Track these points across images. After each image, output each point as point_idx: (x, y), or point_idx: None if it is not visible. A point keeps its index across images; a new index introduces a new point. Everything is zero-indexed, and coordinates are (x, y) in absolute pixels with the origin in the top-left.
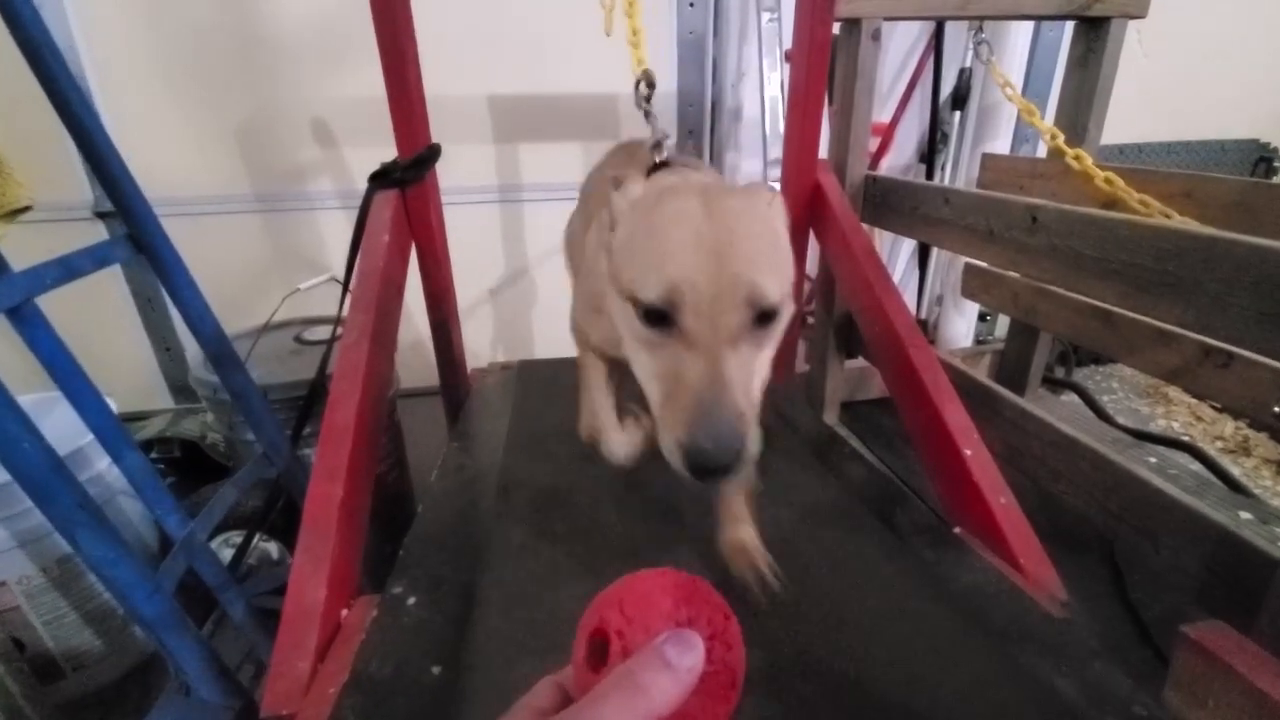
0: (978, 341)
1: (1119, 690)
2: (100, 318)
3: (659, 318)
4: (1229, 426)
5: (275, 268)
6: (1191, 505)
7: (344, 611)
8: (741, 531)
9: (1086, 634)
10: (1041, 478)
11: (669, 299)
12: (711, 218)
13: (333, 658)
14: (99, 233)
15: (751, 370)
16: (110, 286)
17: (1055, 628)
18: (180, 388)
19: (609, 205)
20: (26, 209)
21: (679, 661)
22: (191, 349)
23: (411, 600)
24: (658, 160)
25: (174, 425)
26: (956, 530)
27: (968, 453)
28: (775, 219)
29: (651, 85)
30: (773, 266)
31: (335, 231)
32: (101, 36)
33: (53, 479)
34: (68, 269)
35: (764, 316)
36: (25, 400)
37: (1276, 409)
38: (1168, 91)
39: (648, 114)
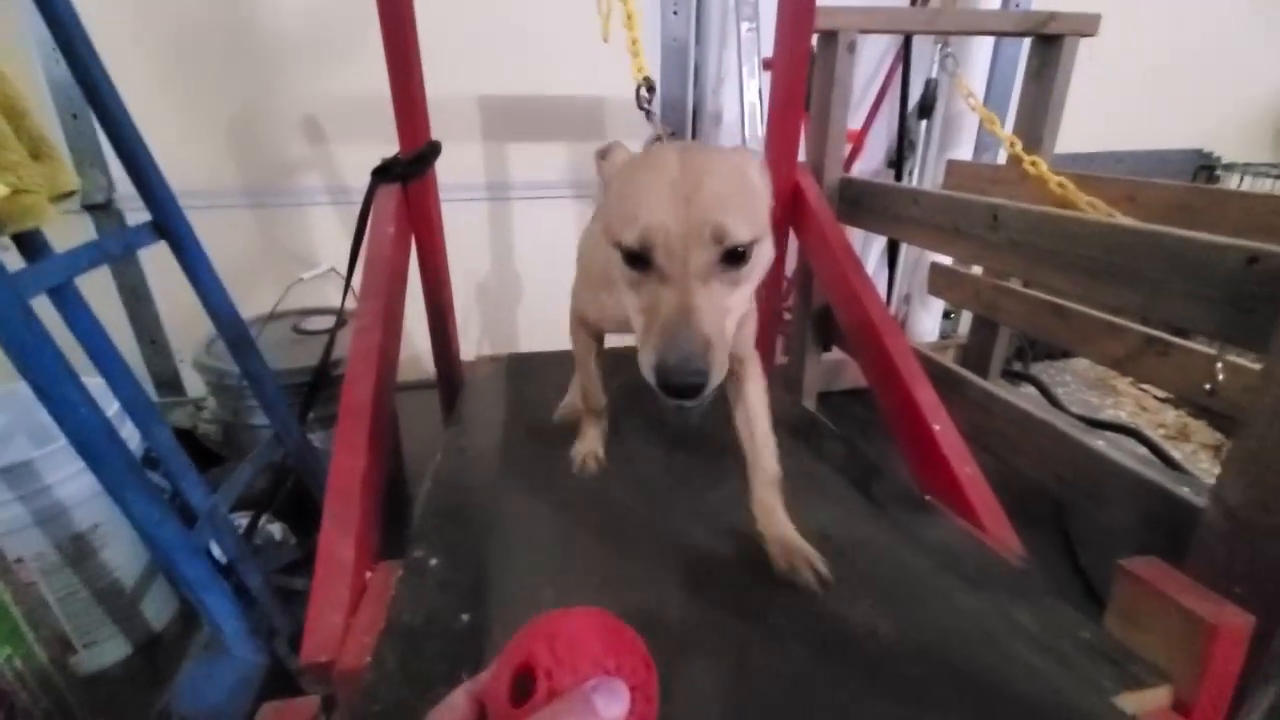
0: (943, 337)
1: (1069, 621)
2: None
3: (638, 259)
4: (1170, 415)
5: (267, 262)
6: (1131, 467)
7: (367, 574)
8: (783, 530)
9: (1044, 583)
10: (1003, 452)
11: (644, 241)
12: (685, 168)
13: (364, 612)
14: (87, 226)
15: (722, 303)
16: (96, 281)
17: (1015, 575)
18: (165, 381)
19: (599, 173)
20: (72, 194)
21: (605, 711)
22: (176, 340)
23: (434, 561)
24: None
25: (163, 415)
26: (927, 497)
27: (936, 428)
28: (750, 171)
29: (652, 90)
30: (740, 208)
31: (326, 227)
32: (93, 31)
33: (106, 443)
34: (102, 252)
35: (734, 256)
36: None
37: (1207, 386)
38: (1117, 104)
39: (649, 114)
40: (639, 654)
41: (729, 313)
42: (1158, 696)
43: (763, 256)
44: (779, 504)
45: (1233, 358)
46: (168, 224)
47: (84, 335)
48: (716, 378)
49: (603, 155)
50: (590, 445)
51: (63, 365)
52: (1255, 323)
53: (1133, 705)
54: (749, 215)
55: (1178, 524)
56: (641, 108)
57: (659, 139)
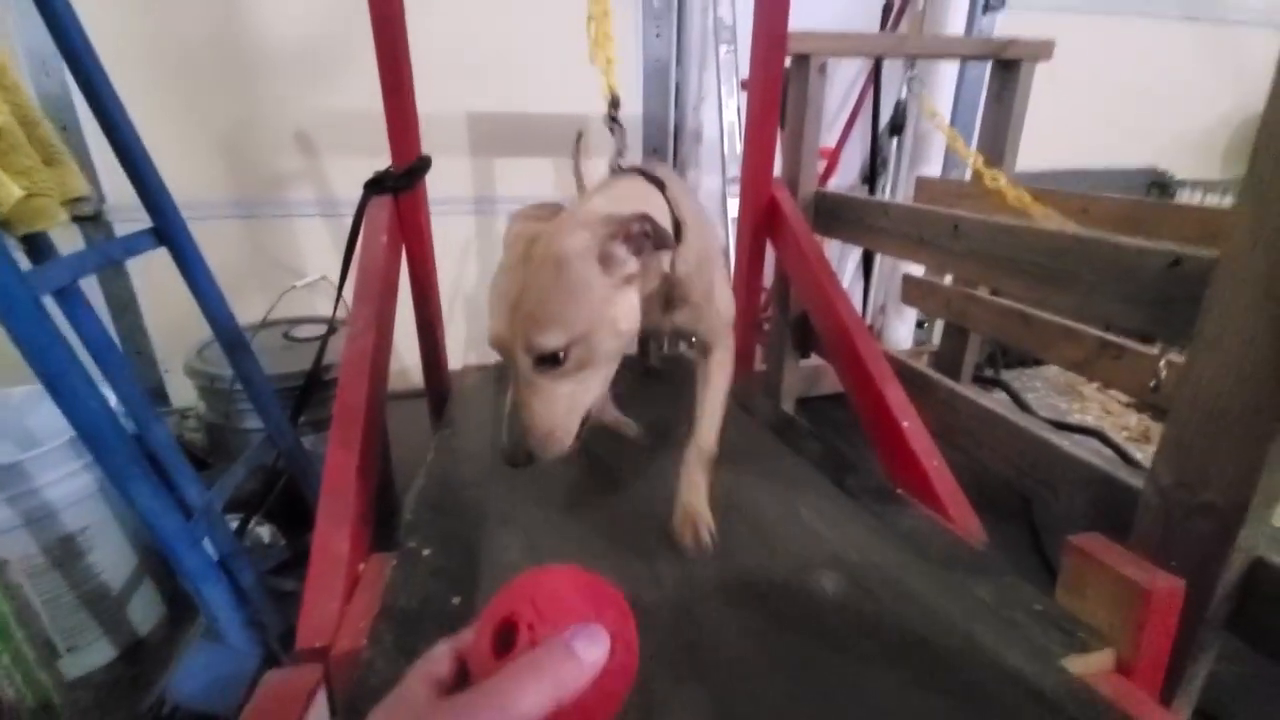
0: (917, 345)
1: (1024, 595)
2: None
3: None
4: (1133, 419)
5: (258, 272)
6: (1080, 457)
7: (361, 566)
8: (691, 497)
9: (1003, 564)
10: (969, 448)
11: (491, 344)
12: (520, 269)
13: (357, 601)
14: (74, 236)
15: (553, 396)
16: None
17: (977, 557)
18: (150, 391)
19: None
20: (84, 199)
21: (585, 655)
22: (161, 351)
23: (426, 552)
24: (622, 166)
25: None
26: (898, 490)
27: (905, 424)
28: (575, 264)
29: (617, 105)
30: (552, 315)
31: (315, 238)
32: None
33: (113, 434)
34: (104, 256)
35: (551, 358)
36: (36, 389)
37: (1152, 383)
38: (1076, 125)
39: (613, 130)
40: (618, 605)
41: (563, 400)
42: (1102, 659)
43: (596, 345)
44: (702, 477)
45: (1174, 357)
46: (169, 230)
47: (87, 334)
48: (551, 454)
49: (511, 221)
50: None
51: (72, 359)
52: (1177, 320)
53: (1078, 667)
54: (562, 320)
55: (1122, 506)
56: (608, 125)
57: (620, 153)
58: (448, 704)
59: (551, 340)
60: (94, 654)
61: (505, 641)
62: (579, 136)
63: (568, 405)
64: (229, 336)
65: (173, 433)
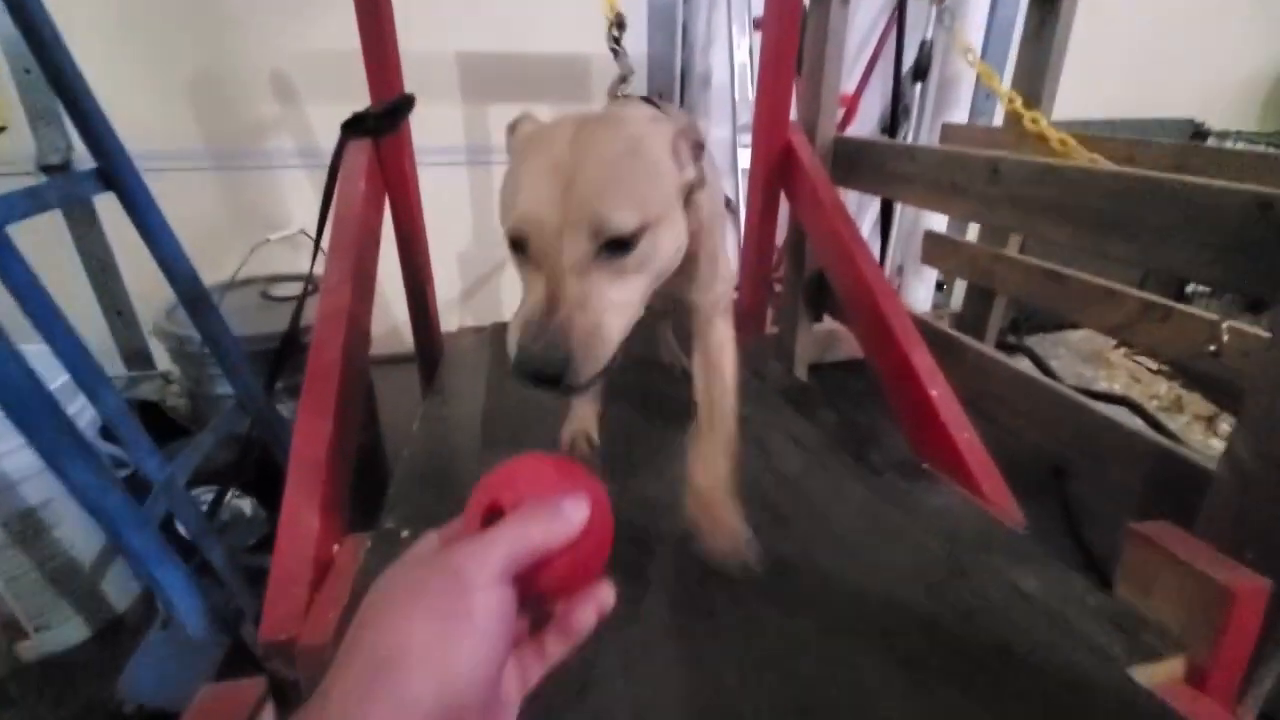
0: (935, 309)
1: (1075, 587)
2: (48, 281)
3: (520, 246)
4: (1164, 387)
5: (236, 227)
6: (1135, 429)
7: (335, 547)
8: (722, 505)
9: (1044, 549)
10: (1001, 417)
11: (519, 231)
12: (573, 147)
13: (329, 587)
14: None
15: (602, 296)
16: (59, 251)
17: (1017, 541)
18: (133, 354)
19: (508, 149)
20: (1, 129)
21: (570, 514)
22: (144, 312)
23: (405, 533)
24: (623, 95)
25: (130, 389)
26: (924, 465)
27: (934, 393)
28: (653, 146)
29: (622, 27)
30: (627, 194)
31: (297, 190)
32: None
33: (39, 406)
34: (38, 199)
35: (618, 245)
36: None
37: (1211, 348)
38: (1111, 72)
39: (616, 53)
40: (593, 479)
41: (613, 308)
42: (1171, 667)
43: (660, 243)
44: (725, 471)
45: (1234, 322)
46: (115, 173)
47: (20, 289)
48: (587, 371)
49: (511, 129)
50: (581, 425)
51: None
52: (1262, 273)
53: (1147, 676)
54: (637, 200)
55: (1184, 488)
56: (611, 47)
57: (624, 79)
58: (445, 551)
59: (625, 220)
60: (66, 633)
61: (493, 523)
62: (621, 79)
63: (618, 311)
64: (189, 291)
65: (156, 397)
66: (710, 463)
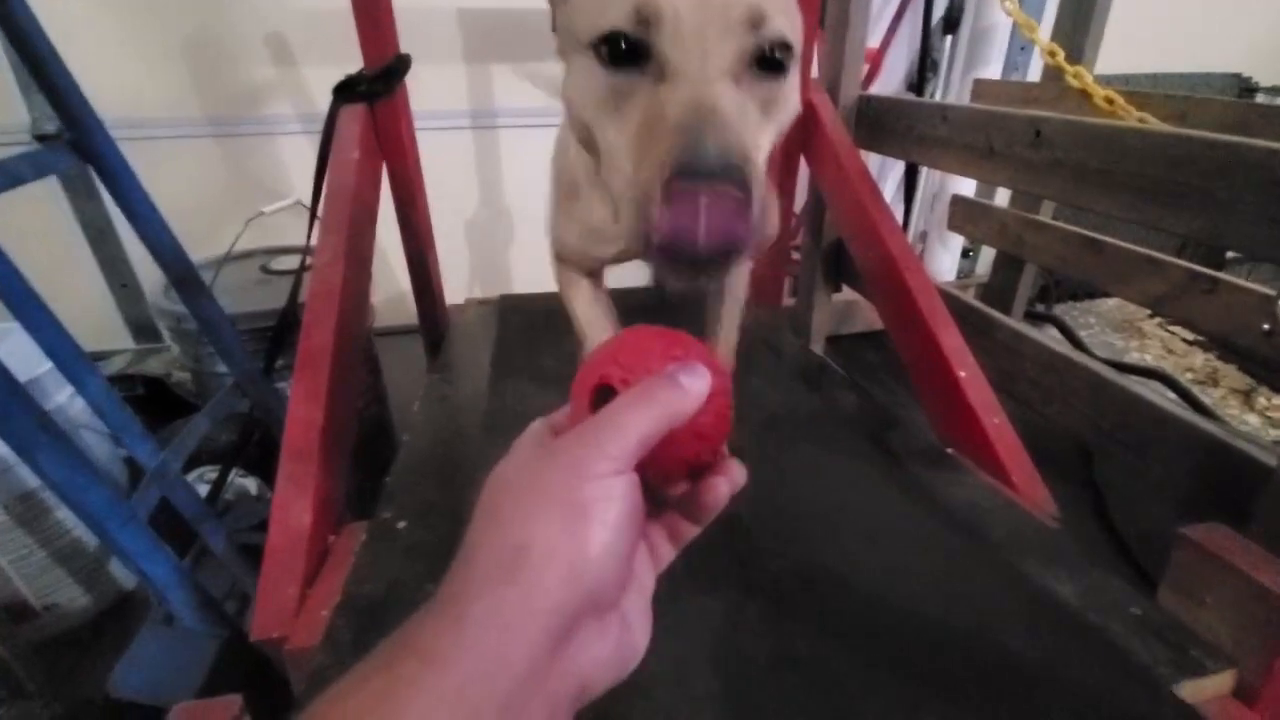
0: (960, 277)
1: (1115, 594)
2: (48, 254)
3: (630, 54)
4: (1199, 359)
5: (234, 196)
6: (1184, 417)
7: (331, 538)
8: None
9: (1078, 546)
10: (1033, 399)
11: (641, 12)
12: None
13: (322, 582)
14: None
15: (758, 120)
16: (58, 220)
17: (1051, 539)
18: (140, 326)
19: None
20: None
21: (690, 384)
22: (149, 282)
23: (402, 524)
24: None
25: (136, 363)
26: (949, 450)
27: (961, 374)
28: None
29: None
30: (788, 7)
31: (297, 157)
32: None
33: (8, 397)
34: (8, 175)
35: (769, 62)
36: None
37: (1265, 326)
38: (1153, 24)
39: None
40: (704, 347)
41: (759, 149)
42: (1220, 683)
43: (795, 87)
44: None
45: None
46: (90, 144)
47: None
48: (769, 226)
49: None
50: None
51: None
52: None
53: (1193, 694)
54: (790, 14)
55: (1237, 483)
56: None
57: None
58: (562, 440)
59: (786, 23)
60: (75, 613)
61: (602, 401)
62: None
63: (766, 145)
64: (177, 270)
65: (162, 372)
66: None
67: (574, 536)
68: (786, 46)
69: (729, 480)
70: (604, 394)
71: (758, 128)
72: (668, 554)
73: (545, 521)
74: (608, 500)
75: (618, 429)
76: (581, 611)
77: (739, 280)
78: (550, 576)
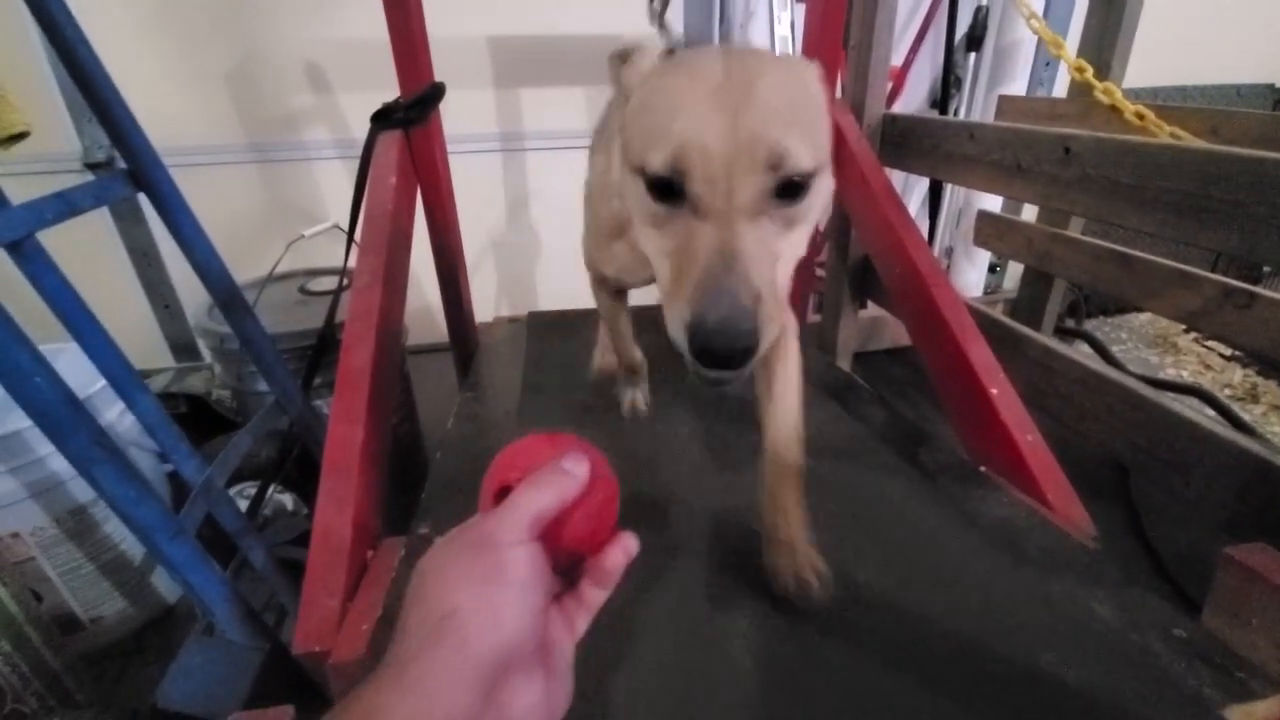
0: (987, 293)
1: (1157, 615)
2: (95, 276)
3: (668, 189)
4: (1238, 374)
5: (272, 220)
6: (1225, 436)
7: (369, 554)
8: (795, 535)
9: (1117, 566)
10: (1066, 417)
11: (676, 164)
12: (731, 75)
13: (362, 596)
14: None
15: (773, 248)
16: (105, 243)
17: (1088, 558)
18: (181, 346)
19: (619, 83)
20: (24, 135)
21: (573, 470)
22: (191, 305)
23: (438, 539)
24: None
25: (178, 381)
26: (982, 469)
27: (993, 391)
28: (811, 83)
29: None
30: (802, 127)
31: (333, 182)
32: None
33: (68, 414)
34: (68, 204)
35: (790, 188)
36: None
37: None
38: (1183, 35)
39: (661, 27)
40: (585, 442)
41: (780, 260)
42: (1270, 708)
43: (823, 192)
44: (794, 498)
45: None
46: (145, 173)
47: (52, 296)
48: (765, 342)
49: (622, 59)
50: (634, 392)
51: (10, 328)
52: None
53: (1241, 717)
54: (811, 137)
55: (1278, 501)
56: (653, 21)
57: (670, 54)
58: (472, 521)
59: (806, 156)
60: (120, 625)
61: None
62: (668, 52)
63: (784, 272)
64: (223, 293)
65: (203, 390)
66: (786, 512)
67: (490, 596)
68: (808, 174)
69: (624, 550)
70: (505, 494)
71: (775, 251)
72: (583, 621)
73: (465, 586)
74: (515, 563)
75: (516, 508)
76: (507, 660)
77: (786, 352)
78: (474, 630)
